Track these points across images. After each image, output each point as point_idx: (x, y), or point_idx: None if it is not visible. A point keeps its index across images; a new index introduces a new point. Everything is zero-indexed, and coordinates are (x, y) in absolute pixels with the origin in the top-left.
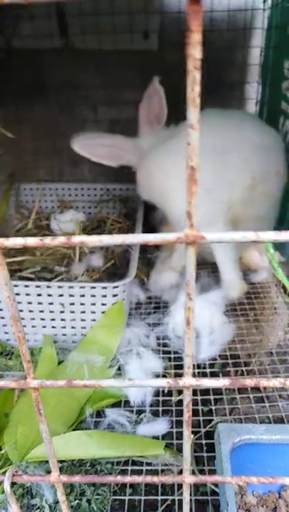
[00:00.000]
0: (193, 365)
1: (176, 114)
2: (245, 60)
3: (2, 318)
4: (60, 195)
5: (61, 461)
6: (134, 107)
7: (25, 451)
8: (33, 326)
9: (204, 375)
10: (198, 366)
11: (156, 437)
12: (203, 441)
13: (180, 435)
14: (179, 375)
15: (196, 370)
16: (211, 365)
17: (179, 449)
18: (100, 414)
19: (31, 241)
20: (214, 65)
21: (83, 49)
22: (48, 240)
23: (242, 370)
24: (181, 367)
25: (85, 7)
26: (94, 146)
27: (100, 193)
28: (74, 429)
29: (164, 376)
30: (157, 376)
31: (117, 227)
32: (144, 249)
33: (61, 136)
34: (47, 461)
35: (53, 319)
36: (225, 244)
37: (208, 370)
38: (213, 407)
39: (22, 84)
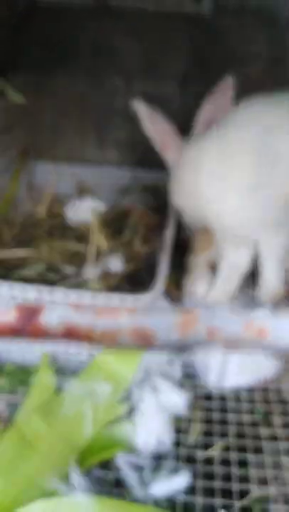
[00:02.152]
0: (227, 407)
1: None
2: None
3: None
4: (80, 179)
5: None
6: (174, 81)
7: None
8: None
9: (241, 423)
10: (234, 410)
11: (171, 507)
12: None
13: (206, 507)
14: (208, 421)
15: (230, 415)
16: (250, 411)
17: None
18: (102, 464)
19: None
20: (278, 38)
21: (121, 8)
22: None
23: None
24: (210, 408)
25: None
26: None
27: (125, 179)
28: (68, 486)
29: (187, 419)
30: (178, 421)
31: (143, 222)
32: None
33: (86, 110)
34: None
35: None
36: (280, 243)
37: (245, 417)
38: (251, 471)
39: (45, 47)
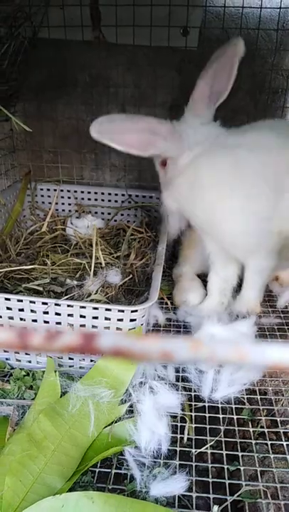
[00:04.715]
0: (218, 408)
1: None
2: None
3: None
4: (79, 199)
5: None
6: (166, 109)
7: None
8: None
9: (231, 423)
10: (224, 411)
11: (170, 502)
12: None
13: (201, 502)
14: (200, 420)
15: (222, 416)
16: (239, 410)
17: None
18: (105, 462)
19: None
20: (258, 68)
21: (116, 43)
22: None
23: (272, 413)
24: (203, 409)
25: None
26: (120, 131)
27: (121, 198)
28: (74, 483)
29: (182, 419)
30: (173, 417)
31: (138, 238)
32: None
33: (84, 136)
34: None
35: None
36: (265, 265)
37: (235, 417)
38: (242, 467)
39: (46, 78)
